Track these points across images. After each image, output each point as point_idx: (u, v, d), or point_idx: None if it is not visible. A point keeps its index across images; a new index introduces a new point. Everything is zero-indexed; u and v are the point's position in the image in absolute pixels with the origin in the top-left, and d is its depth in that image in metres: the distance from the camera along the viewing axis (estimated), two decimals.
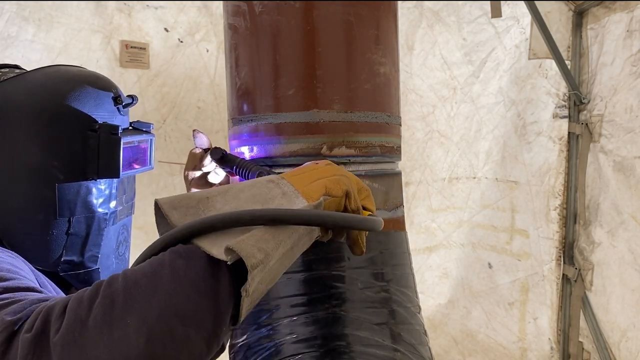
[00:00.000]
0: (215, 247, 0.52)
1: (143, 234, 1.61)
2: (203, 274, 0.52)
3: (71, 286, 0.96)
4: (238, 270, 0.53)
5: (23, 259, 0.84)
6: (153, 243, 0.56)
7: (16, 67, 0.95)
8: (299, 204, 0.60)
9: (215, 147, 0.87)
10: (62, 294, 0.89)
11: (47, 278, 0.88)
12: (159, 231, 0.60)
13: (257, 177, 0.76)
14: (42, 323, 0.50)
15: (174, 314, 0.50)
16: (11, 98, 0.87)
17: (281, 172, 0.75)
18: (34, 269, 0.85)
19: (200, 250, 0.53)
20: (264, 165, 0.81)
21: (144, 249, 0.57)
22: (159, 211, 0.58)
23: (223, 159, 0.86)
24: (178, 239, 0.54)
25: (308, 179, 0.65)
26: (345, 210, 0.67)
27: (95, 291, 0.51)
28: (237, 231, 0.54)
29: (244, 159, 0.84)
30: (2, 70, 0.91)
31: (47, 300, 0.55)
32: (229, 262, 0.51)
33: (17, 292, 0.61)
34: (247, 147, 0.83)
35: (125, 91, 1.05)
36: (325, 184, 0.64)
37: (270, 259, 0.53)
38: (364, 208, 0.71)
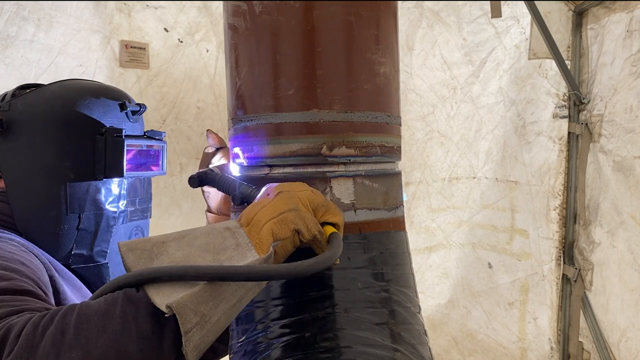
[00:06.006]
0: (159, 296, 0.56)
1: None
2: (150, 320, 0.55)
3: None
4: None
5: (41, 251, 0.91)
6: (108, 283, 0.60)
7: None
8: (250, 257, 0.62)
9: (191, 176, 0.90)
10: (79, 285, 0.96)
11: (66, 269, 0.95)
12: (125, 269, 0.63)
13: (232, 200, 0.81)
14: None
15: (117, 353, 0.53)
16: (31, 107, 0.97)
17: (254, 188, 0.78)
18: (49, 260, 0.91)
19: (148, 297, 0.56)
20: (264, 166, 0.82)
21: (98, 289, 0.61)
22: None
23: (203, 182, 0.89)
24: (128, 285, 0.58)
25: (260, 223, 0.66)
26: (302, 243, 0.68)
27: (50, 319, 0.55)
28: (184, 283, 0.57)
29: (221, 176, 0.87)
30: (31, 88, 1.01)
31: (19, 313, 0.58)
32: (167, 315, 0.54)
33: (10, 294, 0.64)
34: (247, 147, 0.83)
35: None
36: (272, 229, 0.65)
37: (208, 318, 0.57)
38: (328, 223, 0.71)
